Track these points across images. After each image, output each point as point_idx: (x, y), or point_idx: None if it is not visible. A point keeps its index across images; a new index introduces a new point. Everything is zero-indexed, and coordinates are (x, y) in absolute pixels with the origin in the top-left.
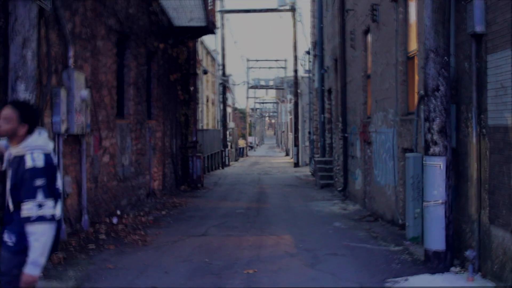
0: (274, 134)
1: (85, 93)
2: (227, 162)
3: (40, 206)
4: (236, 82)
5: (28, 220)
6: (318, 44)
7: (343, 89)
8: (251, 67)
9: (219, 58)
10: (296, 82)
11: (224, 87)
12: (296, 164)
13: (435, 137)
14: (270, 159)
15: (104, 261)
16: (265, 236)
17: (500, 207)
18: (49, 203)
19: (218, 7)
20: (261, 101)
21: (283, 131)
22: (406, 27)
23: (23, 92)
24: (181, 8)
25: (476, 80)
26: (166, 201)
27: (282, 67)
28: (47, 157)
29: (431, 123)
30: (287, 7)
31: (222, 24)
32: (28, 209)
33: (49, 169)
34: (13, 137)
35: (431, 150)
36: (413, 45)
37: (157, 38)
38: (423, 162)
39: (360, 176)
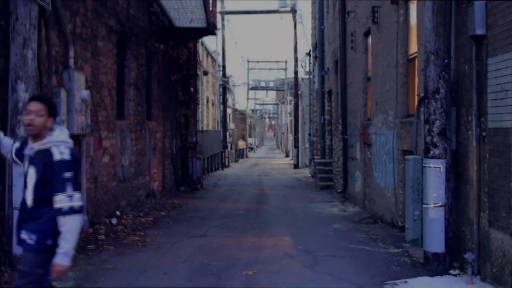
0: (274, 135)
1: (85, 93)
2: (226, 163)
3: (70, 197)
4: (237, 83)
5: (60, 211)
6: (319, 46)
7: (343, 91)
8: (252, 68)
9: (219, 59)
10: (296, 83)
11: (224, 88)
12: (296, 166)
13: (435, 139)
14: (270, 160)
15: (103, 262)
16: (264, 237)
17: (500, 210)
18: (77, 195)
19: (218, 8)
20: (261, 102)
21: (283, 133)
22: (406, 29)
23: (23, 92)
24: (181, 9)
25: (477, 83)
26: (165, 202)
27: (283, 69)
28: (72, 151)
29: (431, 126)
30: (288, 9)
31: (223, 25)
32: (60, 201)
33: (74, 163)
34: (40, 132)
35: (431, 152)
36: (413, 47)
37: (157, 38)
38: (423, 164)
39: (359, 178)
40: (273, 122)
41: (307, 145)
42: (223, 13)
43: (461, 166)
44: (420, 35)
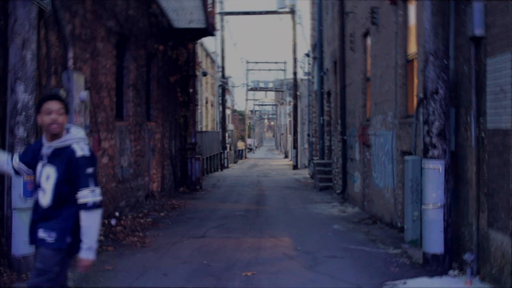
0: (273, 136)
1: (84, 94)
2: (226, 164)
3: (93, 192)
4: (236, 84)
5: (85, 206)
6: (318, 47)
7: (342, 92)
8: (251, 69)
9: (218, 60)
10: (295, 84)
11: (224, 89)
12: (295, 167)
13: (434, 140)
14: (269, 161)
15: (102, 263)
16: (264, 238)
17: (499, 211)
18: (98, 190)
19: (217, 9)
20: (260, 103)
21: (282, 133)
22: (405, 30)
23: (23, 93)
24: (180, 10)
25: (476, 83)
26: (165, 203)
27: (282, 69)
28: (90, 148)
29: (430, 126)
30: (287, 9)
31: (222, 26)
32: (85, 196)
33: (94, 159)
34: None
35: (430, 153)
36: (412, 48)
37: (156, 40)
38: (422, 165)
39: (359, 179)
40: (272, 123)
41: (306, 146)
42: (222, 14)
43: (460, 166)
44: (419, 36)
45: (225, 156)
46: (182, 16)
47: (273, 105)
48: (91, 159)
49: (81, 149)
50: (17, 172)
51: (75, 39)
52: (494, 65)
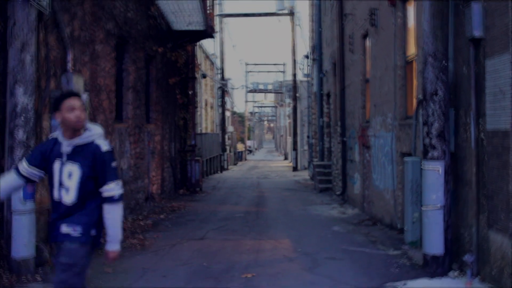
0: (273, 138)
1: (83, 97)
2: (225, 166)
3: (118, 185)
4: (235, 86)
5: (112, 199)
6: (317, 48)
7: (341, 93)
8: (250, 71)
9: (217, 62)
10: (294, 86)
11: (223, 91)
12: (295, 168)
13: (434, 141)
14: (269, 163)
15: (102, 265)
16: (263, 240)
17: (499, 212)
18: (121, 183)
19: (217, 11)
20: (260, 105)
21: (282, 135)
22: (404, 32)
23: (22, 96)
24: (179, 12)
25: (475, 85)
26: (164, 205)
27: (281, 71)
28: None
29: (429, 128)
30: (286, 11)
31: (221, 28)
32: (111, 189)
33: (114, 153)
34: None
35: (430, 154)
36: (411, 50)
37: (156, 42)
38: (422, 166)
39: (358, 180)
40: (271, 125)
41: (306, 147)
42: (221, 16)
43: (460, 168)
44: (418, 37)
45: (225, 158)
46: (181, 18)
47: (272, 107)
48: (113, 154)
49: (105, 144)
50: (28, 180)
51: (74, 42)
52: (493, 66)
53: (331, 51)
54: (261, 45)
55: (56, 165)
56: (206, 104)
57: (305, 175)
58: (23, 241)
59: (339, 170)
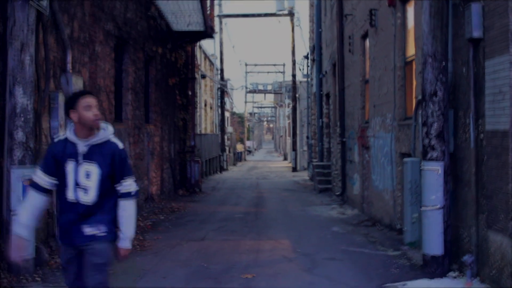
0: (272, 138)
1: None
2: (225, 167)
3: (134, 181)
4: (235, 87)
5: (129, 195)
6: (317, 49)
7: (341, 94)
8: (249, 72)
9: (217, 63)
10: (294, 86)
11: (222, 92)
12: (294, 169)
13: (433, 142)
14: (268, 163)
15: None
16: (263, 240)
17: (498, 212)
18: (135, 179)
19: (216, 12)
20: (259, 105)
21: (281, 136)
22: (404, 32)
23: (21, 97)
24: (179, 13)
25: (474, 85)
26: (164, 206)
27: (280, 72)
28: None
29: (429, 128)
30: (286, 12)
31: (221, 29)
32: (129, 185)
33: None
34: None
35: (429, 155)
36: (411, 50)
37: (155, 42)
38: (421, 167)
39: (358, 181)
40: (271, 125)
41: (305, 148)
42: (221, 17)
43: (459, 168)
44: (418, 38)
45: (224, 159)
46: (180, 19)
47: (272, 107)
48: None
49: (120, 142)
50: (49, 191)
51: (74, 42)
52: (493, 67)
53: (330, 52)
54: (261, 45)
55: (70, 166)
56: (205, 105)
57: (304, 175)
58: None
59: (339, 170)
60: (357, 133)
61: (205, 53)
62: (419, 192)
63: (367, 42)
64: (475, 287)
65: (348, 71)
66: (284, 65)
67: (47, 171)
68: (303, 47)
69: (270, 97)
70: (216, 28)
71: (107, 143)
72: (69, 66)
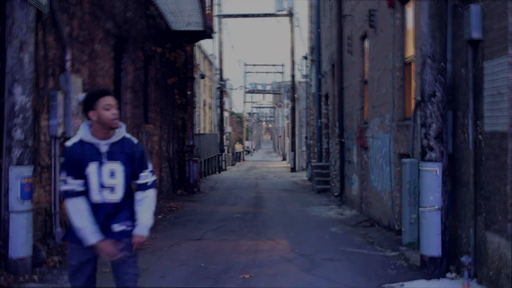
0: (271, 138)
1: (82, 96)
2: (223, 167)
3: (151, 172)
4: (233, 87)
5: (146, 186)
6: (316, 49)
7: (340, 94)
8: (249, 72)
9: (216, 63)
10: (293, 87)
11: (221, 92)
12: (293, 169)
13: (432, 143)
14: (267, 163)
15: (100, 265)
16: (261, 240)
17: (496, 213)
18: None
19: (215, 12)
20: (258, 105)
21: (280, 136)
22: (403, 33)
23: (20, 95)
24: (178, 12)
25: (473, 86)
26: (162, 205)
27: (279, 72)
28: None
29: (427, 129)
30: (285, 12)
31: (220, 29)
32: (146, 176)
33: None
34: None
35: (428, 155)
36: (410, 51)
37: (154, 42)
38: (420, 167)
39: (356, 181)
40: (270, 125)
41: (304, 148)
42: (220, 17)
43: (458, 169)
44: (417, 39)
45: (223, 159)
46: (180, 19)
47: (271, 107)
48: None
49: (134, 137)
50: (84, 192)
51: (73, 41)
52: (492, 68)
53: (329, 52)
54: (260, 46)
55: (92, 167)
56: (204, 105)
57: (303, 176)
58: (21, 241)
59: (337, 171)
60: (355, 134)
61: (204, 53)
62: (418, 193)
63: (366, 42)
64: None
65: (347, 71)
66: (283, 65)
67: (75, 175)
68: (302, 47)
69: (269, 97)
70: (215, 28)
71: (124, 140)
72: (68, 64)
